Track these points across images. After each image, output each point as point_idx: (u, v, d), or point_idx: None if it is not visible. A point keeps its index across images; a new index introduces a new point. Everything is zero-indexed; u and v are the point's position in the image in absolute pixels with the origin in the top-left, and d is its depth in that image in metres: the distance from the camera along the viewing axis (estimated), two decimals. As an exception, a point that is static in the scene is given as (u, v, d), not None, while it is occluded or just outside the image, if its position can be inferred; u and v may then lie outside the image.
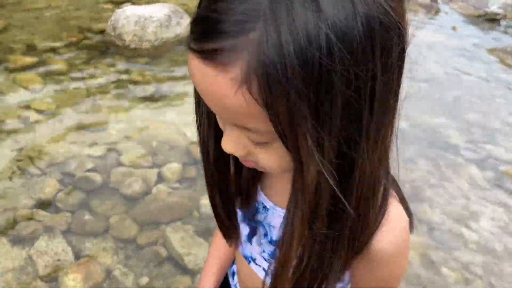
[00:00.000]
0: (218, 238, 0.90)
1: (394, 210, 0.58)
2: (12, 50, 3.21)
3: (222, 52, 0.40)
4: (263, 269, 0.71)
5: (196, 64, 0.43)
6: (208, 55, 0.41)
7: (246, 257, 0.76)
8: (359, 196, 0.51)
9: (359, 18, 0.39)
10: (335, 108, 0.42)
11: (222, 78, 0.41)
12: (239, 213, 0.74)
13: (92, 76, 3.13)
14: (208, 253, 0.93)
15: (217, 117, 0.53)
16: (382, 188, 0.55)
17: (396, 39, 0.43)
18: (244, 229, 0.75)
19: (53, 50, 3.33)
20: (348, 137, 0.45)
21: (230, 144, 0.51)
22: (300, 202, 0.49)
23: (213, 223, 0.77)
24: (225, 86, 0.41)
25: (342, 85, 0.41)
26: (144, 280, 1.83)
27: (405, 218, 0.59)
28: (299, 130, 0.42)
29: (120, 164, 2.41)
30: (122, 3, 4.26)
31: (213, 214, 0.72)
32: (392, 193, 0.59)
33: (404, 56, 0.46)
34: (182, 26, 3.76)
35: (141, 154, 2.50)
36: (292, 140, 0.43)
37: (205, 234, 2.03)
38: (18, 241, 1.93)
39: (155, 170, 2.39)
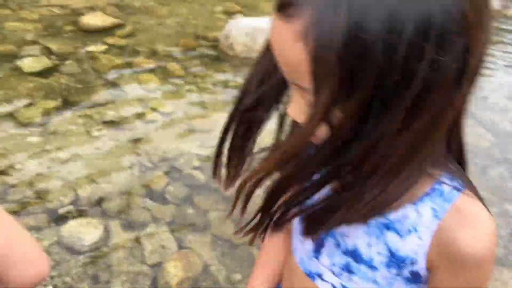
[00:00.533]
0: (266, 252, 0.88)
1: (481, 212, 0.57)
2: (137, 52, 3.57)
3: (291, 5, 0.45)
4: (332, 285, 0.68)
5: (274, 18, 0.49)
6: (281, 9, 0.47)
7: (309, 274, 0.72)
8: (357, 169, 0.52)
9: (414, 13, 0.41)
10: (365, 87, 0.45)
11: (287, 29, 0.46)
12: (299, 227, 0.72)
13: (203, 81, 3.35)
14: (255, 269, 0.90)
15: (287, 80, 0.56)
16: (409, 176, 0.53)
17: (457, 43, 0.44)
18: (307, 244, 0.71)
19: (171, 55, 3.63)
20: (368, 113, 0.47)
21: (292, 108, 0.55)
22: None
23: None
24: (287, 36, 0.46)
25: (378, 66, 0.43)
26: (237, 277, 1.93)
27: (493, 221, 0.57)
28: (324, 88, 0.46)
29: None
30: (234, 13, 4.51)
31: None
32: (470, 193, 0.58)
33: (471, 64, 0.46)
34: (290, 38, 3.86)
35: (242, 158, 2.62)
36: (317, 97, 0.47)
37: (298, 242, 2.07)
38: (129, 225, 2.14)
39: (254, 175, 2.50)
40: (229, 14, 4.49)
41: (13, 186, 2.25)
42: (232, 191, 0.73)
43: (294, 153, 0.52)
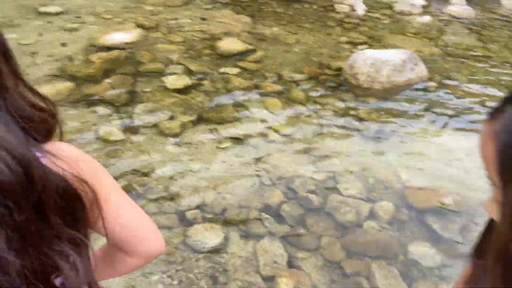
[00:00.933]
0: None
1: None
2: (265, 77, 3.83)
3: (496, 111, 0.55)
4: None
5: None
6: (491, 111, 0.57)
7: None
8: None
9: None
10: None
11: (487, 128, 0.56)
12: None
13: (324, 108, 3.47)
14: None
15: None
16: None
17: None
18: None
19: (296, 81, 3.82)
20: None
21: (489, 204, 0.60)
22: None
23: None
24: (486, 133, 0.55)
25: None
26: (344, 304, 1.97)
27: None
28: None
29: (337, 191, 2.62)
30: (360, 44, 4.59)
31: None
32: None
33: None
34: (415, 71, 3.82)
35: (358, 187, 2.66)
36: (504, 196, 0.54)
37: (409, 280, 2.05)
38: (246, 235, 2.31)
39: (368, 205, 2.52)
40: (354, 44, 4.58)
41: (151, 187, 2.58)
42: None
43: (499, 253, 0.57)
